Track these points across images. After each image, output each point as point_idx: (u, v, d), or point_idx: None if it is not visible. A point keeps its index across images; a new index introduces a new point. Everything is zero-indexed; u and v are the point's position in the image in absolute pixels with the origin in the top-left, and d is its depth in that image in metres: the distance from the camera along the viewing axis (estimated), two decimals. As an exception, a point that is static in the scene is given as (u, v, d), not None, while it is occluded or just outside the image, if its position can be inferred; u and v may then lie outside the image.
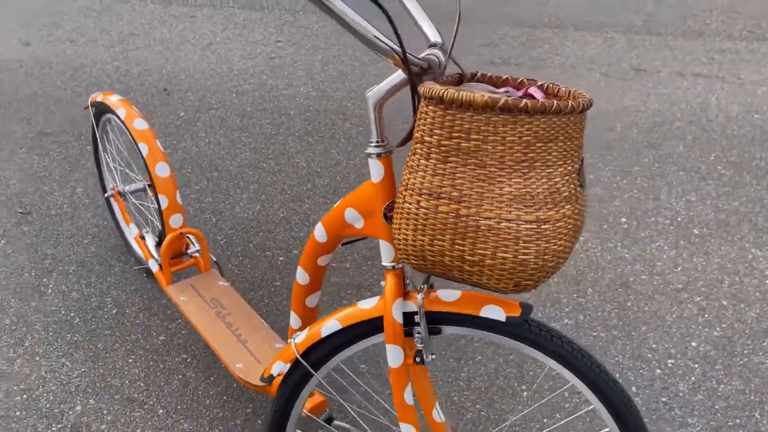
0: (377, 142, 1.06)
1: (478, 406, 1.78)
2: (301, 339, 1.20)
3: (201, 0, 4.66)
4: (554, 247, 0.88)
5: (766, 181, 2.76)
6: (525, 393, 1.83)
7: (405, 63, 0.91)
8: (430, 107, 0.87)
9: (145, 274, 2.24)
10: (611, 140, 3.05)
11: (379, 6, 0.81)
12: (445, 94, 0.85)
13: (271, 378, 1.25)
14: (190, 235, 1.97)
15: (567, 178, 0.90)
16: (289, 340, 1.25)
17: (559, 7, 4.72)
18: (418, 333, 1.11)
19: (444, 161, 0.88)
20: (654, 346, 2.00)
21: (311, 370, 1.20)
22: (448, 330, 1.13)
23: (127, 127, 1.92)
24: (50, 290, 2.18)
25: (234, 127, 3.10)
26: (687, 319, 2.09)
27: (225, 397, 1.82)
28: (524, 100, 0.83)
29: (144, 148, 1.87)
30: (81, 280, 2.22)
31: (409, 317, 1.12)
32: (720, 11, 4.68)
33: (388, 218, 1.08)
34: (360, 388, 1.82)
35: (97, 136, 2.17)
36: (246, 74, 3.62)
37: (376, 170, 1.08)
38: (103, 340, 1.99)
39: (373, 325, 1.15)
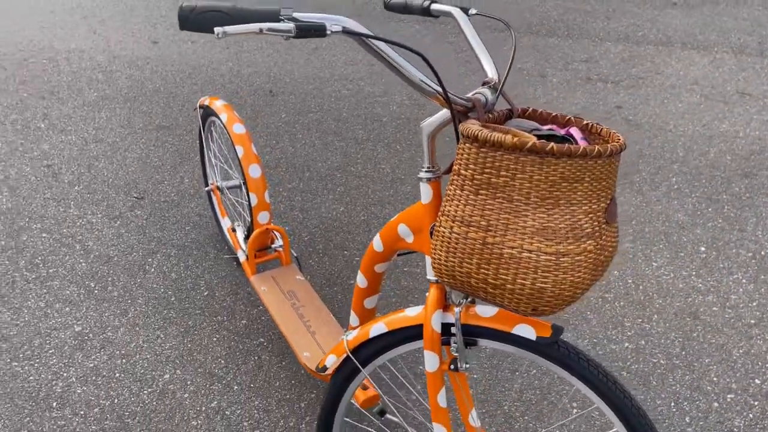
0: (428, 167, 1.17)
1: (526, 418, 1.85)
2: (351, 337, 1.33)
3: (312, 2, 4.91)
4: (571, 278, 0.96)
5: None
6: (575, 410, 1.88)
7: (448, 103, 1.01)
8: (466, 144, 0.97)
9: (235, 263, 2.46)
10: (702, 166, 2.98)
11: (422, 57, 0.92)
12: (479, 134, 0.95)
13: (325, 368, 1.39)
14: (275, 232, 2.16)
15: (591, 215, 0.97)
16: (342, 337, 1.38)
17: (669, 24, 4.59)
18: (455, 343, 1.21)
19: (476, 193, 0.98)
20: (715, 379, 1.98)
21: (359, 366, 1.33)
22: (482, 343, 1.22)
23: (227, 130, 2.12)
24: (153, 269, 2.44)
25: (329, 131, 3.29)
26: (754, 355, 2.05)
27: (293, 381, 1.99)
28: (551, 144, 0.92)
29: (240, 150, 2.07)
30: (180, 262, 2.47)
31: (447, 328, 1.22)
32: None
33: (432, 243, 1.19)
34: (412, 387, 1.94)
35: (203, 135, 2.40)
36: (346, 80, 3.80)
37: (425, 192, 1.19)
38: (194, 319, 2.22)
39: (415, 331, 1.26)
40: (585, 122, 1.12)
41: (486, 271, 0.98)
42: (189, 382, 1.99)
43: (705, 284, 2.32)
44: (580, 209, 0.96)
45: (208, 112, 2.27)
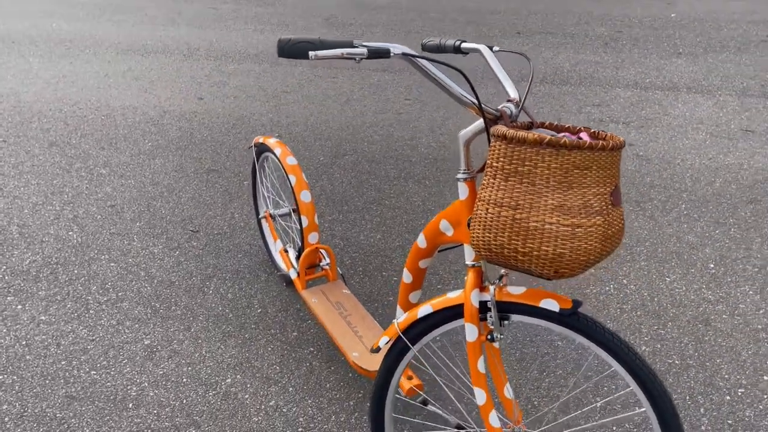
0: (464, 170, 1.41)
1: (554, 411, 2.02)
2: (402, 319, 1.54)
3: (342, 63, 5.28)
4: (585, 245, 1.18)
5: None
6: (599, 403, 2.04)
7: (481, 112, 1.26)
8: (497, 142, 1.22)
9: (284, 284, 2.69)
10: (709, 194, 3.18)
11: (462, 74, 1.17)
12: (507, 133, 1.19)
13: (378, 349, 1.60)
14: (322, 251, 2.40)
15: (599, 197, 1.20)
16: (393, 321, 1.59)
17: (675, 72, 4.86)
18: (491, 317, 1.42)
19: (506, 180, 1.21)
20: (726, 376, 2.14)
21: (408, 344, 1.54)
22: (514, 318, 1.43)
23: (281, 162, 2.39)
24: (211, 291, 2.68)
25: (363, 171, 3.56)
26: (763, 355, 2.21)
27: (342, 383, 2.19)
28: (564, 138, 1.15)
29: (293, 179, 2.33)
30: (235, 285, 2.70)
31: (483, 305, 1.44)
32: None
33: (470, 227, 1.42)
34: (456, 368, 2.12)
35: (257, 170, 2.67)
36: (377, 126, 4.10)
37: (463, 190, 1.42)
38: (250, 332, 2.44)
39: (456, 310, 1.48)
40: (592, 131, 1.36)
41: (516, 242, 1.20)
42: (249, 385, 2.20)
43: (715, 296, 2.50)
44: (589, 191, 1.19)
45: (262, 149, 2.54)
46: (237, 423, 2.05)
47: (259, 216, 2.73)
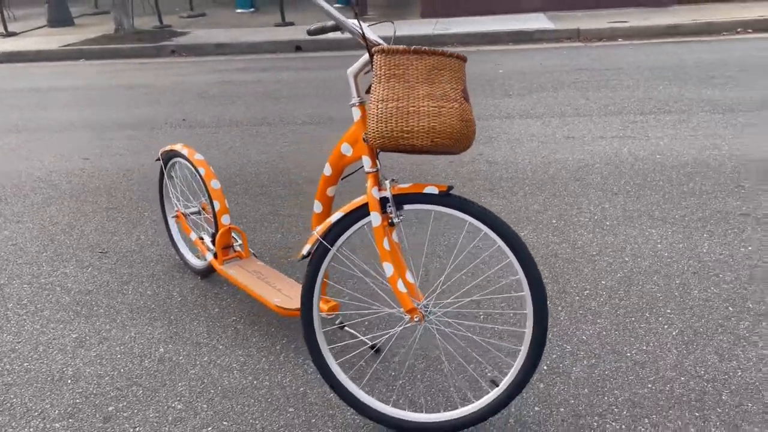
0: (355, 97, 1.83)
1: (443, 283, 2.41)
2: (319, 228, 1.90)
3: (219, 121, 5.64)
4: (449, 121, 1.63)
5: (663, 192, 3.52)
6: (473, 263, 2.46)
7: (364, 38, 1.71)
8: (378, 56, 1.65)
9: (200, 277, 2.91)
10: (545, 179, 3.84)
11: (353, 9, 1.61)
12: (384, 48, 1.63)
13: (304, 257, 1.93)
14: (234, 233, 2.68)
15: (453, 90, 1.66)
16: (312, 232, 1.94)
17: (508, 106, 5.70)
18: (389, 206, 1.81)
19: (388, 81, 1.64)
20: (574, 285, 2.65)
21: (328, 246, 1.89)
22: (407, 207, 1.83)
23: (189, 161, 2.68)
24: (130, 291, 2.83)
25: (255, 193, 3.88)
26: (599, 270, 2.76)
27: (266, 336, 2.44)
28: (424, 47, 1.62)
29: (202, 171, 2.63)
30: (153, 284, 2.88)
31: (383, 201, 1.83)
32: (635, 99, 5.66)
33: (366, 141, 1.83)
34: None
35: (164, 178, 2.93)
36: (261, 164, 4.46)
37: (356, 113, 1.84)
38: (174, 314, 2.63)
39: (362, 211, 1.84)
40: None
41: (401, 123, 1.63)
42: (181, 350, 2.39)
43: (559, 239, 3.06)
44: (447, 86, 1.65)
45: (170, 156, 2.82)
46: (176, 377, 2.24)
47: (169, 217, 2.97)
